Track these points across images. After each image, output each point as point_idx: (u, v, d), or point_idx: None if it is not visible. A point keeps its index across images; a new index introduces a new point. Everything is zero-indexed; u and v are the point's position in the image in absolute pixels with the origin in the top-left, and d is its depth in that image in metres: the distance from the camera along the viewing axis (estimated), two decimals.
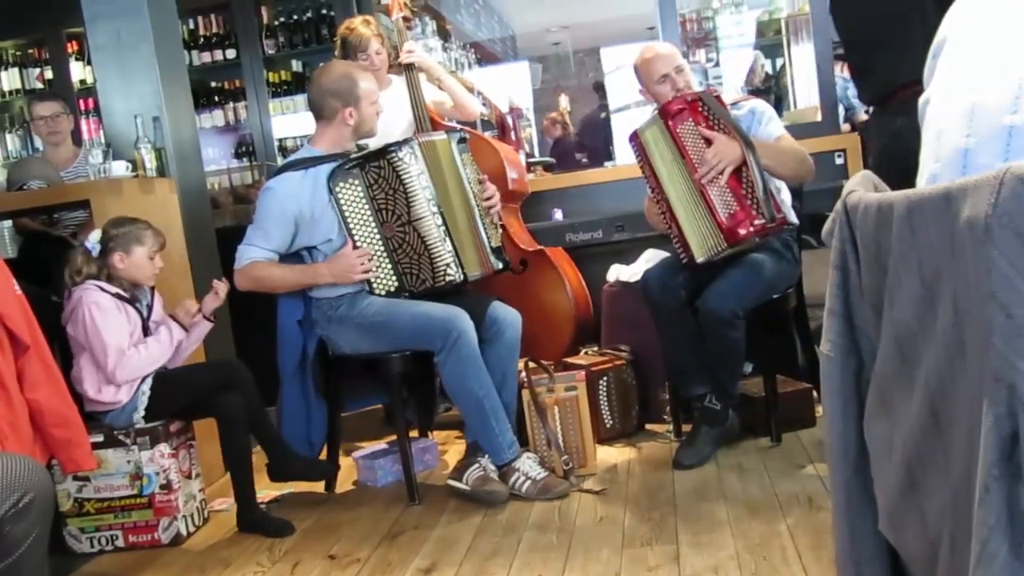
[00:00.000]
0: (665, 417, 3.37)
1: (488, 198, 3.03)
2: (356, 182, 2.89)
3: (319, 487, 3.14)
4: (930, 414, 0.99)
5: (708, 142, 2.85)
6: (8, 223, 4.01)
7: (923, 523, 1.02)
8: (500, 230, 3.09)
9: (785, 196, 3.11)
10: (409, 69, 3.55)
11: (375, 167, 2.88)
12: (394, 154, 2.87)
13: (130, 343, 2.79)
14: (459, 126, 3.55)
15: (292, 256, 2.99)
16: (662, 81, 3.04)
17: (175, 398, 2.83)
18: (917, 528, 1.04)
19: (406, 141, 2.95)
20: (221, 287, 2.97)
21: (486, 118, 5.82)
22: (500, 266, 3.02)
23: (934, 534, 0.99)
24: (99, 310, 2.76)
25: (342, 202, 2.89)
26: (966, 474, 0.90)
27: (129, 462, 2.78)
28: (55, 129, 3.89)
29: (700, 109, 2.89)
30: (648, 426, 3.42)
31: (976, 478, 0.86)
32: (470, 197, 2.98)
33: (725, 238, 2.84)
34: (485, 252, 2.98)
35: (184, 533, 2.82)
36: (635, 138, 3.05)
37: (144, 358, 2.79)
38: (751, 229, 2.81)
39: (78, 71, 6.07)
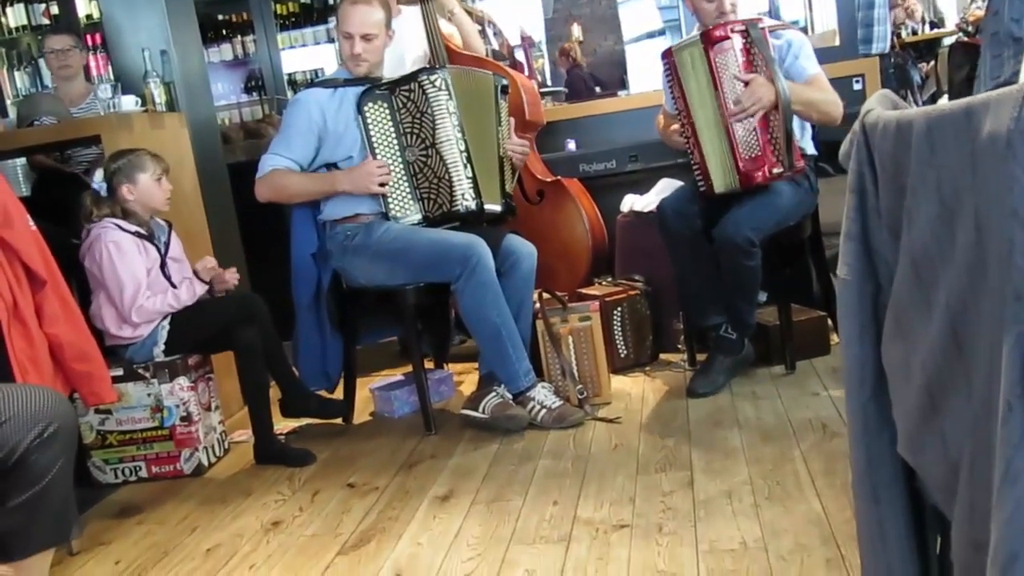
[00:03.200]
0: (679, 347, 3.38)
1: (519, 147, 3.09)
2: (384, 104, 2.91)
3: (337, 418, 3.18)
4: (951, 336, 0.98)
5: (745, 82, 2.79)
6: (21, 160, 4.00)
7: (944, 445, 1.02)
8: (515, 179, 3.13)
9: (806, 126, 3.08)
10: (425, 1, 3.50)
11: (405, 91, 2.89)
12: (426, 78, 2.89)
13: (148, 280, 2.81)
14: (502, 70, 3.47)
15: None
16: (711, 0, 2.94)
17: (194, 332, 2.85)
18: (937, 450, 1.04)
19: (440, 68, 2.99)
20: (232, 277, 3.00)
21: (496, 48, 5.72)
22: (502, 209, 3.01)
23: (955, 456, 0.99)
24: (117, 249, 2.77)
25: (369, 122, 2.90)
26: (987, 395, 0.90)
27: (149, 395, 2.82)
28: (65, 63, 3.86)
29: (744, 42, 2.80)
30: (662, 355, 3.43)
31: (998, 398, 0.86)
32: (498, 138, 3.01)
33: (740, 180, 2.85)
34: (500, 190, 3.00)
35: (206, 464, 2.88)
36: (668, 55, 2.96)
37: (162, 304, 2.81)
38: (768, 176, 2.83)
39: (84, 6, 6.00)
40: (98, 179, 2.85)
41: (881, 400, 1.19)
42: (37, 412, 1.66)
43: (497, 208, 2.99)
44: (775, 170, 2.82)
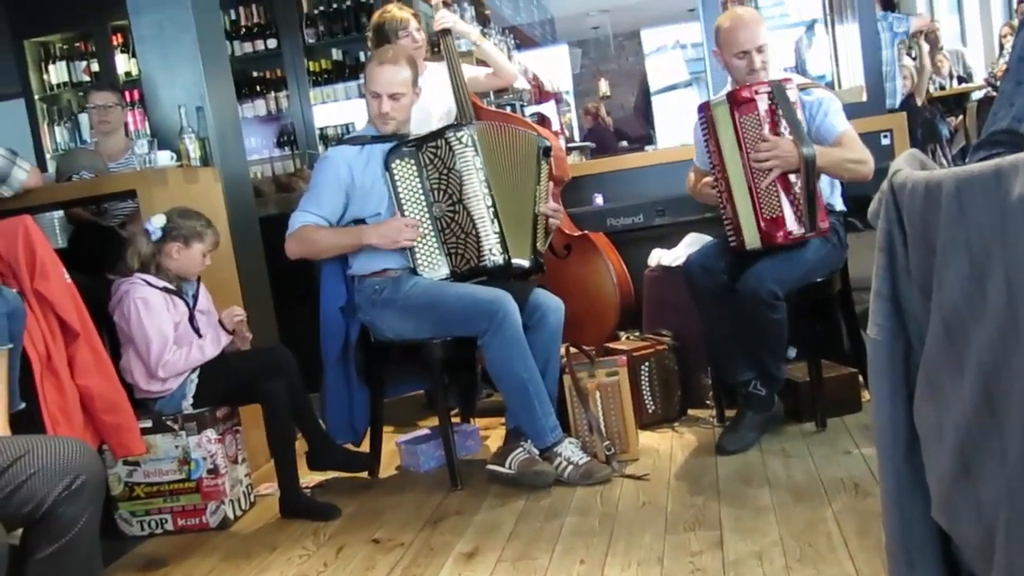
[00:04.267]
0: (708, 402, 3.35)
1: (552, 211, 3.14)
2: (411, 161, 2.94)
3: (363, 472, 3.16)
4: (983, 397, 0.97)
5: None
6: (59, 213, 4.08)
7: (978, 509, 1.00)
8: (548, 239, 3.17)
9: (835, 183, 3.08)
10: (445, 36, 3.54)
11: (432, 147, 2.93)
12: (452, 135, 2.93)
13: (174, 337, 2.84)
14: (531, 127, 3.49)
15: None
16: (740, 56, 2.95)
17: (222, 384, 2.87)
18: (971, 514, 1.02)
19: (466, 124, 3.04)
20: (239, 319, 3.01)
21: (526, 88, 5.80)
22: (530, 265, 3.02)
23: (989, 520, 0.97)
24: (145, 306, 2.81)
25: (396, 178, 2.93)
26: (1023, 458, 0.88)
27: (177, 447, 2.82)
28: (105, 119, 3.95)
29: (770, 104, 2.82)
30: (690, 411, 3.40)
31: None
32: (535, 197, 3.04)
33: (761, 239, 2.86)
34: (530, 247, 3.01)
35: (231, 517, 2.87)
36: (705, 109, 2.98)
37: (187, 359, 2.84)
38: (788, 238, 2.83)
39: (123, 63, 6.16)
40: (156, 224, 2.88)
41: (914, 461, 1.17)
42: (66, 464, 1.67)
43: (525, 263, 2.99)
44: (796, 231, 2.82)
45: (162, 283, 2.87)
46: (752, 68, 2.94)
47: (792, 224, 2.83)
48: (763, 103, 2.83)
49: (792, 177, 2.81)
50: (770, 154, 2.79)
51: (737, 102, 2.85)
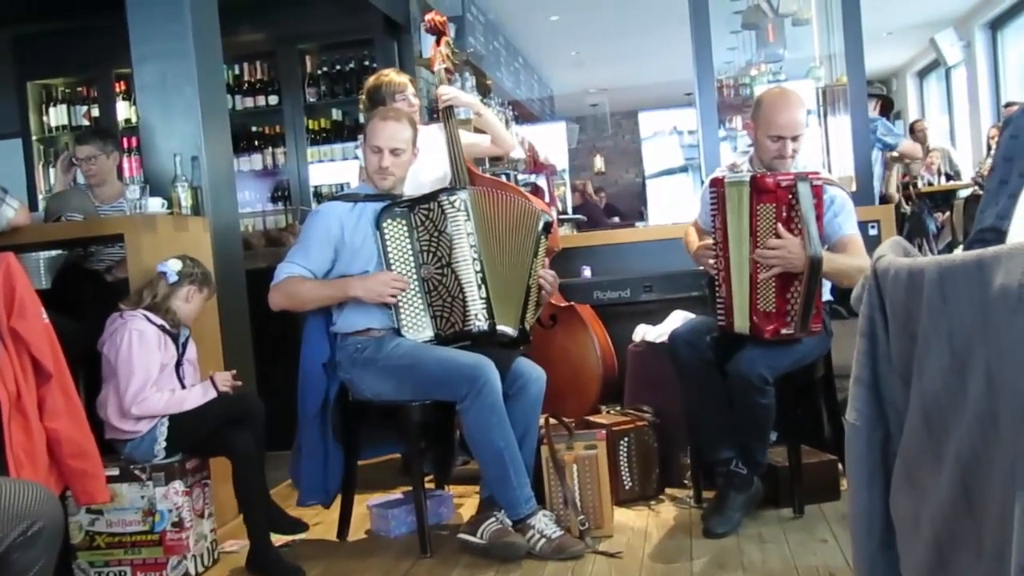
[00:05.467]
0: (686, 482, 3.31)
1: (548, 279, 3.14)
2: (403, 221, 2.94)
3: (331, 534, 3.10)
4: (961, 489, 0.95)
5: (779, 236, 2.74)
6: (44, 253, 4.06)
7: None
8: (538, 311, 3.15)
9: None
10: (449, 115, 3.59)
11: (425, 209, 2.94)
12: (446, 198, 2.94)
13: (158, 377, 2.81)
14: (547, 214, 3.49)
15: None
16: (775, 139, 2.90)
17: (193, 429, 2.82)
18: None
19: (460, 188, 3.06)
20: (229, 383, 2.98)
21: (522, 157, 5.87)
22: (515, 334, 3.01)
23: None
24: (140, 339, 2.79)
25: (386, 237, 2.93)
26: (999, 554, 0.86)
27: (143, 497, 2.76)
28: (92, 171, 3.94)
29: (789, 200, 2.72)
30: (668, 490, 3.35)
31: (1010, 559, 0.82)
32: (528, 268, 3.04)
33: (750, 328, 2.83)
34: (518, 316, 3.01)
35: (193, 573, 2.79)
36: (718, 185, 2.89)
37: (166, 404, 2.80)
38: (776, 334, 2.79)
39: (124, 111, 6.21)
40: (172, 268, 2.91)
41: (889, 552, 1.15)
42: (24, 509, 1.63)
43: (510, 331, 2.98)
44: (784, 331, 2.77)
45: (160, 321, 2.87)
46: (783, 155, 2.89)
47: (783, 322, 2.78)
48: (784, 196, 2.72)
49: (796, 278, 2.74)
50: (776, 253, 2.72)
51: (759, 189, 2.75)
